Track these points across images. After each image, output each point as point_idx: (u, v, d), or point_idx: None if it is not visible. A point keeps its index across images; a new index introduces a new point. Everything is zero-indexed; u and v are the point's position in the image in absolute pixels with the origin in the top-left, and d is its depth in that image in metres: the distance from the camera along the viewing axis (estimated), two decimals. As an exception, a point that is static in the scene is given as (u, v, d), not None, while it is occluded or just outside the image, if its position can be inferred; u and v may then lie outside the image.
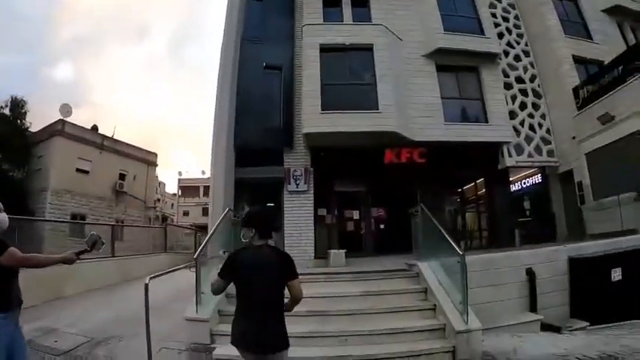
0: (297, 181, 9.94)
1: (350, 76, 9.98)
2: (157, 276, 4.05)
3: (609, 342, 4.47)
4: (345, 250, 8.36)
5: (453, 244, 4.52)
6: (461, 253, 4.27)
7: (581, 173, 10.12)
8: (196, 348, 4.07)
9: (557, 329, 5.11)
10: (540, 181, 10.86)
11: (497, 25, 11.45)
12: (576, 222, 10.07)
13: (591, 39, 12.04)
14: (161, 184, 34.41)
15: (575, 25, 12.20)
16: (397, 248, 9.95)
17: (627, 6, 13.33)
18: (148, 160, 22.83)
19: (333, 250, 8.47)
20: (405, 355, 3.87)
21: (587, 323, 5.25)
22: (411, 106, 9.92)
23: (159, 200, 30.18)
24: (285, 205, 9.83)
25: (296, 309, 2.40)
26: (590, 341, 4.54)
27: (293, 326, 2.40)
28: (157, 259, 10.84)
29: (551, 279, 5.65)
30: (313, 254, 9.59)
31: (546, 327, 5.17)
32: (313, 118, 9.39)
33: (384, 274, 5.55)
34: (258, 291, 2.23)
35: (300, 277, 2.38)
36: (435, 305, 4.62)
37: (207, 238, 5.41)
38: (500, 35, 11.39)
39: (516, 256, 5.81)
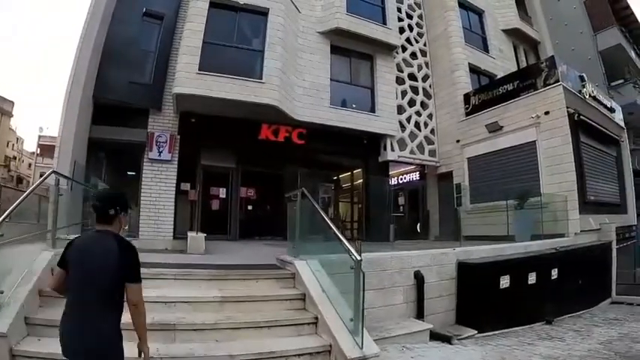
0: (161, 149, 8.71)
1: (237, 38, 8.97)
2: None
3: (505, 354, 4.18)
4: (205, 235, 7.24)
5: (347, 245, 3.49)
6: (358, 258, 3.26)
7: (461, 176, 10.36)
8: (-13, 378, 2.61)
9: (447, 339, 4.69)
10: (418, 179, 11.01)
11: (400, 19, 11.36)
12: (451, 223, 10.26)
13: (488, 52, 12.63)
14: (19, 140, 29.66)
15: (476, 37, 12.76)
16: (266, 233, 9.29)
17: (525, 31, 14.48)
18: (1, 108, 19.10)
19: (191, 234, 7.37)
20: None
21: (476, 331, 5.02)
22: (297, 83, 9.23)
23: (15, 158, 25.91)
24: (143, 175, 8.67)
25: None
26: (485, 355, 4.20)
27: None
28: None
29: (438, 283, 5.32)
30: (172, 234, 8.61)
31: (435, 336, 4.74)
32: (188, 78, 8.19)
33: (251, 273, 4.41)
34: (82, 282, 1.84)
35: (142, 270, 1.96)
36: (316, 318, 3.59)
37: (12, 207, 3.52)
38: (402, 30, 11.31)
39: (405, 258, 5.30)
